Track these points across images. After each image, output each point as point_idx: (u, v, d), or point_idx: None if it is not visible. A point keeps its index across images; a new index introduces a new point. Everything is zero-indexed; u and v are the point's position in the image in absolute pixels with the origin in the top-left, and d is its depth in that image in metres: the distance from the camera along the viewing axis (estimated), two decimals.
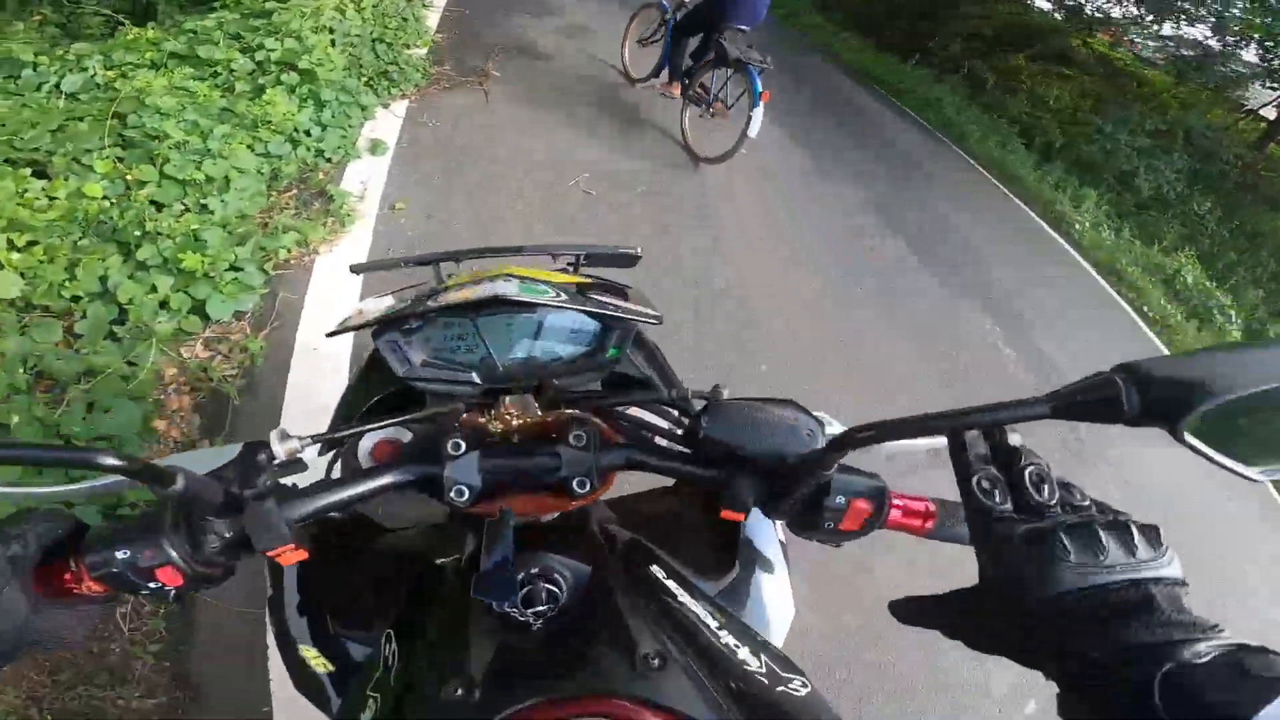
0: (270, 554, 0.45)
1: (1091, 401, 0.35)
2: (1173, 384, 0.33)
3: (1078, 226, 6.76)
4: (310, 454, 0.53)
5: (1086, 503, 0.40)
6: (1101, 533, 0.37)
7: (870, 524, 0.50)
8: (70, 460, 0.42)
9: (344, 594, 0.65)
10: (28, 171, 2.04)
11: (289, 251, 2.24)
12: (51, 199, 2.01)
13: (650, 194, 3.52)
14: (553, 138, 3.63)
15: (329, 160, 2.80)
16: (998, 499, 0.40)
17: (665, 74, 4.46)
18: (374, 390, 0.73)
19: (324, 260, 2.27)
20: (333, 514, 0.49)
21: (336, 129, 2.88)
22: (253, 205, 2.31)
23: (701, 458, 0.53)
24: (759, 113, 3.51)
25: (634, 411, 0.65)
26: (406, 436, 0.62)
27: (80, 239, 1.98)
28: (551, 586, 0.49)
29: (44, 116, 2.27)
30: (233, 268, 2.06)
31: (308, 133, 2.78)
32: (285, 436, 0.50)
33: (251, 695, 1.29)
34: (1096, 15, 11.97)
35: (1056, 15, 12.61)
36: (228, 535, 0.45)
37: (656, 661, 0.42)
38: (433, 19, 4.91)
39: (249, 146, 2.45)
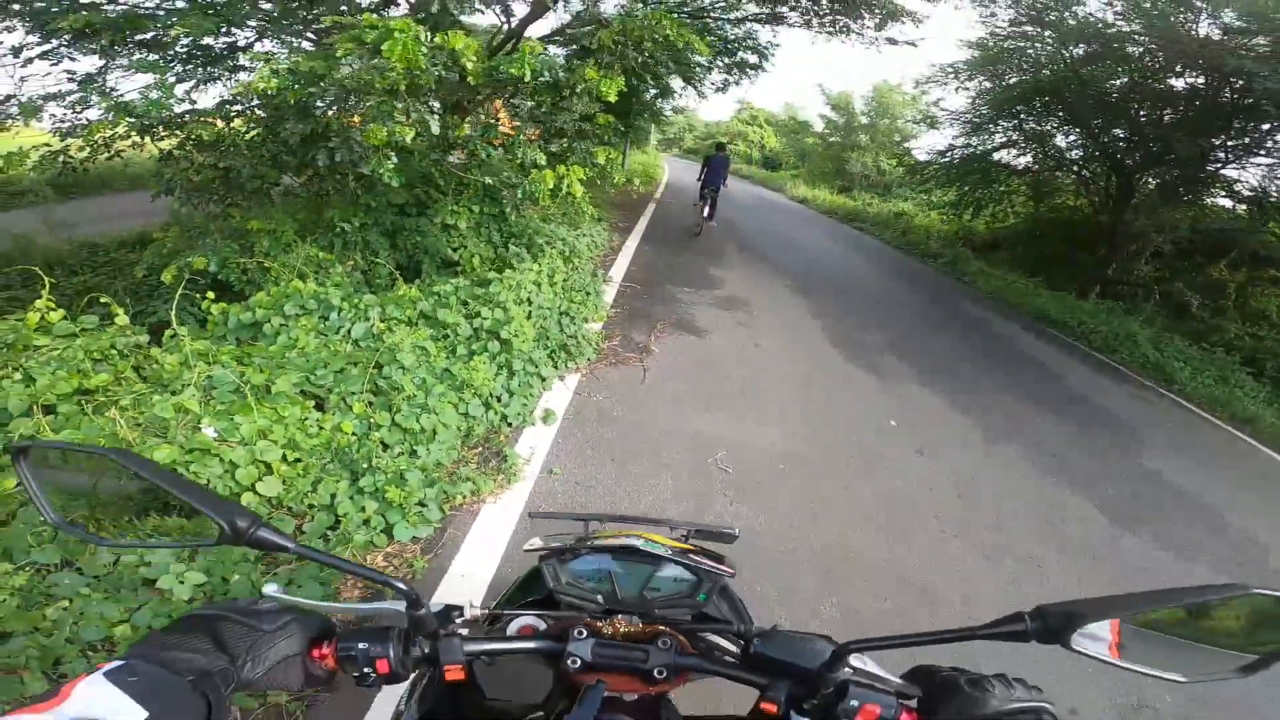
0: (447, 668, 0.68)
1: (1004, 631, 0.57)
2: (1058, 616, 0.54)
3: None
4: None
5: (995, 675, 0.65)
6: (1011, 680, 0.63)
7: None
8: (376, 579, 0.63)
9: None
10: (311, 404, 2.86)
11: (464, 497, 2.78)
12: (320, 428, 2.78)
13: (787, 473, 3.64)
14: (697, 416, 4.03)
15: (509, 424, 3.39)
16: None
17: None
18: (525, 595, 1.00)
19: (488, 509, 2.79)
20: (483, 657, 0.72)
21: (520, 397, 3.52)
22: (447, 457, 2.95)
23: (750, 668, 0.72)
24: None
25: (710, 637, 0.84)
26: (542, 626, 0.81)
27: (328, 463, 2.71)
28: None
29: (334, 358, 3.15)
30: (420, 503, 2.66)
31: (499, 399, 3.46)
32: (471, 606, 0.77)
33: None
34: None
35: (1239, 210, 10.87)
36: (425, 651, 0.69)
37: None
38: (610, 292, 6.03)
39: (454, 405, 3.20)
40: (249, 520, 0.60)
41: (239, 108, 4.58)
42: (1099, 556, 3.49)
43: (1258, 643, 0.55)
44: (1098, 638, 0.57)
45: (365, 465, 2.69)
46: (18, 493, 1.98)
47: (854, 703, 0.62)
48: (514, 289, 4.23)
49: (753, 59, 11.43)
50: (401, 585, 0.64)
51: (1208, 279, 10.55)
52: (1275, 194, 10.33)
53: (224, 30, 4.76)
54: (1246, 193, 10.80)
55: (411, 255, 5.11)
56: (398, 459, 2.78)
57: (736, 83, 16.44)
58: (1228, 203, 11.25)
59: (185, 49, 5.10)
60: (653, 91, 17.20)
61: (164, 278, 3.79)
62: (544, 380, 3.87)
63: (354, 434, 2.81)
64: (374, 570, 0.64)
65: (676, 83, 16.94)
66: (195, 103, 4.46)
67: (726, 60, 11.58)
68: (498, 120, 5.24)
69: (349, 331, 3.48)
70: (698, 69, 13.53)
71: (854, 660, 0.66)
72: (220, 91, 4.40)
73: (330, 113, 4.05)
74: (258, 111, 4.48)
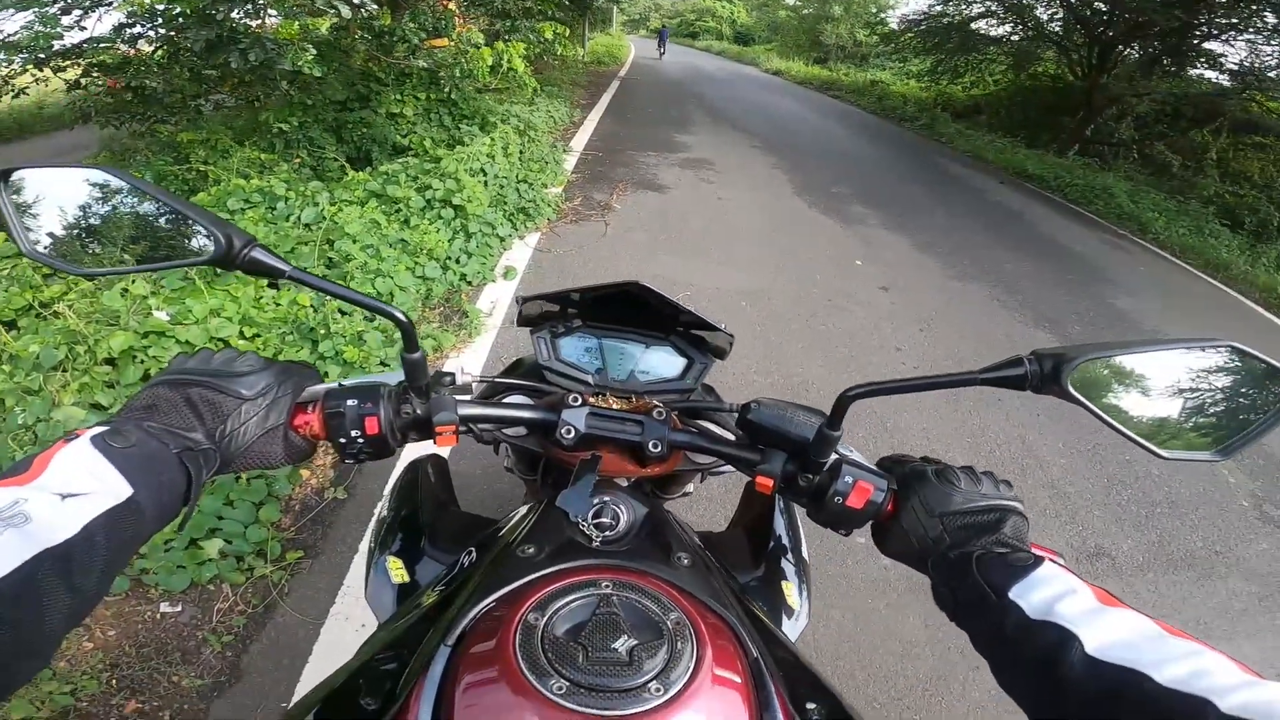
0: (439, 429, 0.61)
1: (1003, 376, 0.52)
2: (1053, 357, 0.50)
3: None
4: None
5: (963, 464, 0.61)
6: (978, 473, 0.58)
7: (872, 505, 0.59)
8: (374, 306, 0.56)
9: (442, 524, 0.83)
10: (264, 282, 2.79)
11: (426, 353, 2.78)
12: (276, 304, 2.73)
13: (751, 310, 3.57)
14: (659, 261, 3.99)
15: (469, 283, 3.35)
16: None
17: None
18: (514, 374, 0.97)
19: (451, 362, 2.78)
20: (478, 425, 0.66)
21: (479, 258, 3.47)
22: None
23: (745, 442, 0.67)
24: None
25: (699, 422, 0.80)
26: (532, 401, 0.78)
27: (286, 333, 2.66)
28: (618, 509, 0.60)
29: (284, 240, 3.07)
30: (382, 363, 2.64)
31: (457, 260, 3.39)
32: (463, 372, 0.72)
33: (280, 688, 1.48)
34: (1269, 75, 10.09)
35: (1222, 82, 10.66)
36: (418, 412, 0.61)
37: (686, 561, 0.56)
38: (571, 161, 5.77)
39: (410, 269, 3.11)
40: (244, 239, 0.52)
41: (138, 29, 4.22)
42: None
43: (1236, 421, 0.52)
44: (1090, 384, 0.52)
45: (323, 331, 2.64)
46: None
47: (848, 479, 0.59)
48: (465, 161, 4.06)
49: None
50: (400, 316, 0.56)
51: (1190, 143, 10.27)
52: (1259, 68, 10.01)
53: None
54: (1231, 66, 10.42)
55: (360, 146, 4.90)
56: (355, 323, 2.73)
57: None
58: (1212, 74, 10.84)
59: None
60: None
61: None
62: (503, 240, 3.80)
63: (310, 305, 2.75)
64: (372, 299, 0.56)
65: None
66: (87, 30, 4.09)
67: None
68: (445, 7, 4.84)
69: (298, 218, 3.35)
70: None
71: (840, 448, 0.62)
72: (117, 17, 4.01)
73: (236, 15, 3.74)
74: (162, 30, 4.15)
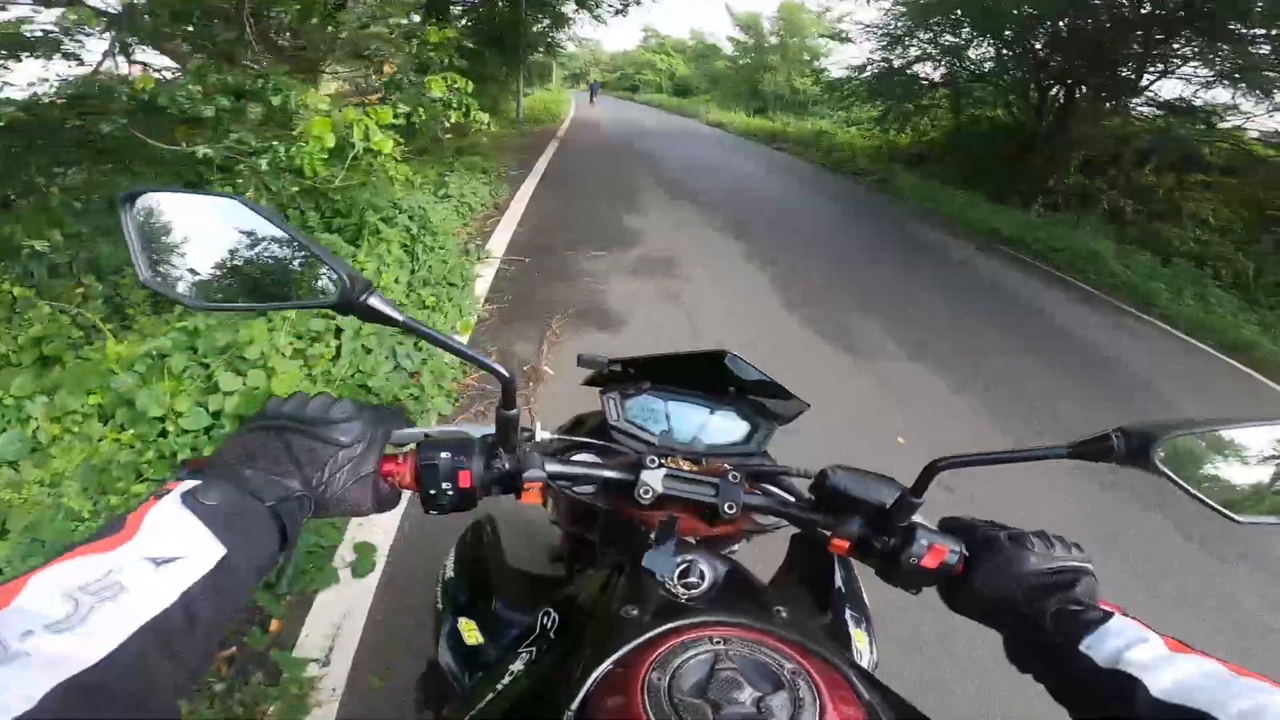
0: (527, 485, 0.62)
1: (1092, 450, 0.54)
2: (1141, 435, 0.52)
3: None
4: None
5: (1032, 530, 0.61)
6: (1050, 537, 0.59)
7: (945, 567, 0.60)
8: (479, 361, 0.56)
9: (510, 583, 0.83)
10: None
11: None
12: None
13: None
14: None
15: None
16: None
17: None
18: (577, 432, 0.91)
19: None
20: (558, 482, 0.67)
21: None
22: None
23: (819, 507, 0.68)
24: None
25: (768, 486, 0.78)
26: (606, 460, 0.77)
27: None
28: (702, 568, 0.59)
29: None
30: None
31: None
32: (543, 429, 0.70)
33: None
34: (1206, 108, 9.83)
35: (1160, 119, 10.48)
36: (506, 467, 0.61)
37: (785, 614, 0.56)
38: (486, 278, 4.28)
39: None
40: (364, 284, 0.51)
41: None
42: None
43: None
44: (1175, 460, 0.52)
45: None
46: None
47: (924, 542, 0.60)
48: (287, 330, 2.44)
49: None
50: (504, 372, 0.57)
51: (1135, 184, 9.85)
52: (1200, 101, 9.90)
53: None
54: (1169, 99, 10.24)
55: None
56: None
57: (637, 1, 14.47)
58: (1148, 110, 10.77)
59: None
60: (545, 21, 14.88)
61: None
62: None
63: None
64: (477, 354, 0.57)
65: (570, 7, 14.71)
66: None
67: None
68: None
69: None
70: None
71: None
72: None
73: None
74: None
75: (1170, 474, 0.50)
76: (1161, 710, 0.42)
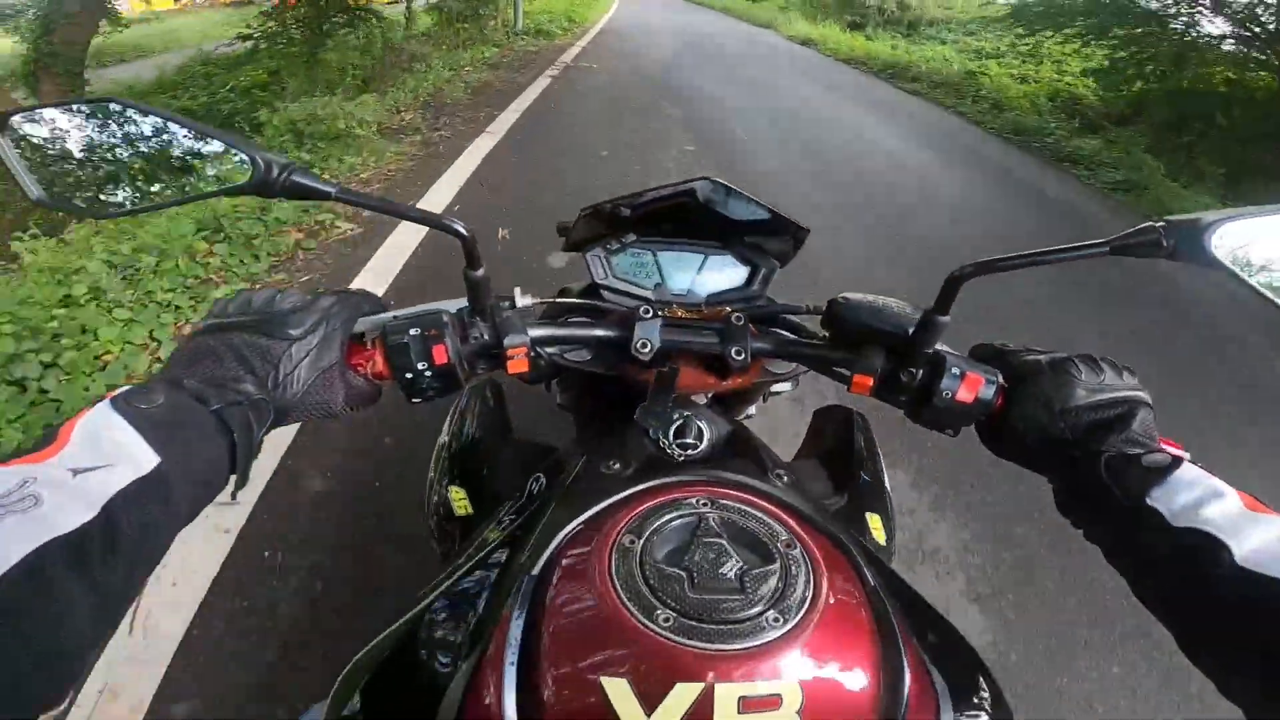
0: (510, 352, 0.56)
1: (1137, 242, 0.46)
2: (1192, 224, 0.45)
3: None
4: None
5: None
6: (1099, 361, 0.52)
7: (981, 401, 0.54)
8: (431, 221, 0.51)
9: (507, 450, 0.78)
10: None
11: None
12: None
13: None
14: None
15: None
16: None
17: None
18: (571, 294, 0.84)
19: None
20: (547, 349, 0.63)
21: None
22: None
23: (835, 344, 0.62)
24: None
25: (775, 330, 0.72)
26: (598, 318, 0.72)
27: None
28: (700, 425, 0.57)
29: None
30: None
31: None
32: (523, 294, 0.62)
33: None
34: None
35: None
36: (485, 337, 0.57)
37: (785, 478, 0.53)
38: None
39: None
40: (282, 163, 0.47)
41: None
42: None
43: None
44: (1229, 250, 0.46)
45: None
46: None
47: (955, 370, 0.54)
48: None
49: None
50: (462, 230, 0.51)
51: None
52: None
53: None
54: None
55: None
56: None
57: None
58: None
59: None
60: None
61: None
62: None
63: None
64: (428, 212, 0.51)
65: None
66: None
67: None
68: None
69: None
70: None
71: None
72: None
73: None
74: None
75: (1228, 264, 0.45)
76: (1245, 581, 0.37)
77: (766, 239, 0.72)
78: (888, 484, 0.82)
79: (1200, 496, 0.42)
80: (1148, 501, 0.43)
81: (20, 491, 0.31)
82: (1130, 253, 0.46)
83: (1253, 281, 0.46)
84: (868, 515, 0.74)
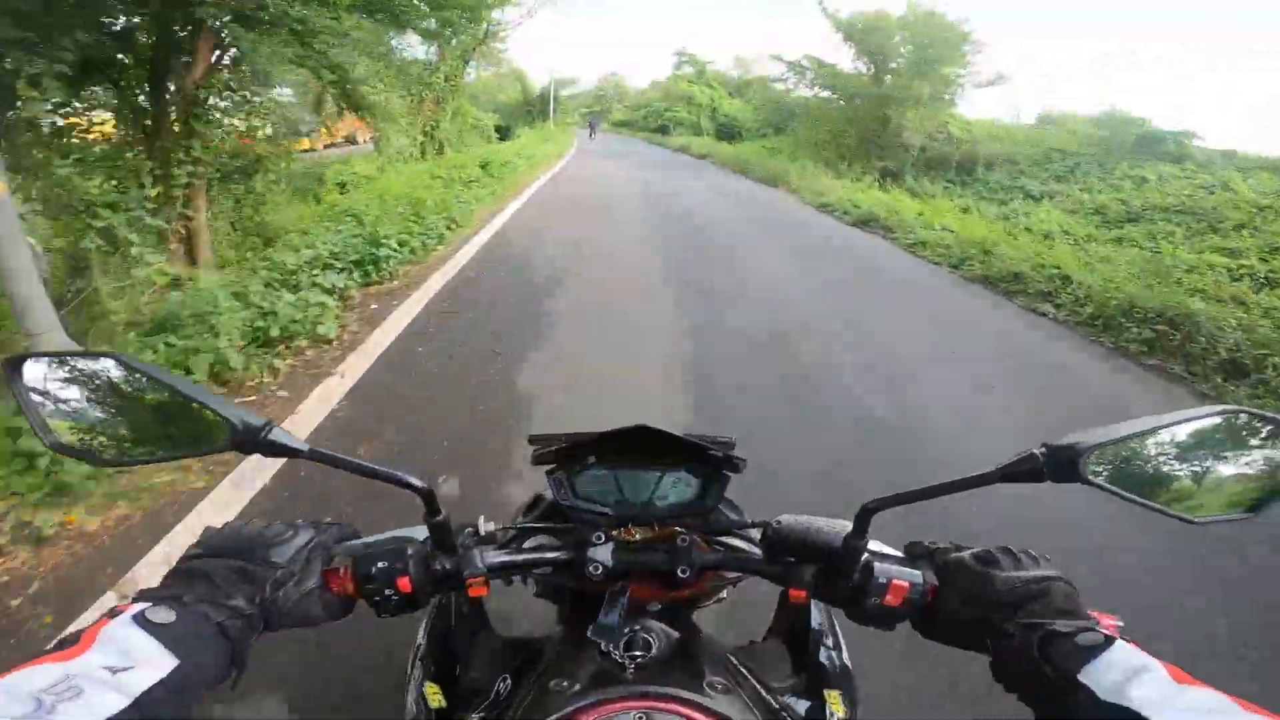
0: (470, 581, 0.61)
1: (1020, 471, 0.50)
2: (1065, 449, 0.48)
3: None
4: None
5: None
6: (1015, 551, 0.56)
7: (910, 603, 0.58)
8: (394, 479, 0.56)
9: (474, 653, 0.81)
10: None
11: None
12: None
13: None
14: None
15: None
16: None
17: None
18: (534, 511, 0.91)
19: None
20: (505, 574, 0.66)
21: None
22: None
23: (770, 558, 0.66)
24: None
25: (723, 539, 0.78)
26: (557, 541, 0.74)
27: None
28: (649, 637, 0.60)
29: None
30: None
31: None
32: (486, 521, 0.69)
33: None
34: None
35: None
36: (446, 567, 0.61)
37: (720, 686, 0.55)
38: None
39: None
40: (260, 423, 0.52)
41: None
42: None
43: (1259, 480, 0.50)
44: (1104, 470, 0.50)
45: None
46: None
47: (881, 580, 0.58)
48: None
49: None
50: (419, 484, 0.58)
51: None
52: None
53: None
54: None
55: None
56: None
57: None
58: None
59: None
60: None
61: None
62: None
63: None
64: (391, 471, 0.57)
65: None
66: None
67: None
68: None
69: None
70: None
71: (871, 544, 0.60)
72: None
73: None
74: None
75: (1106, 486, 0.49)
76: None
77: (715, 454, 0.76)
78: (846, 657, 0.83)
79: (1130, 673, 0.43)
80: (1079, 678, 0.45)
81: (66, 683, 0.37)
82: (1015, 479, 0.50)
83: (1130, 496, 0.49)
84: (826, 692, 0.75)
